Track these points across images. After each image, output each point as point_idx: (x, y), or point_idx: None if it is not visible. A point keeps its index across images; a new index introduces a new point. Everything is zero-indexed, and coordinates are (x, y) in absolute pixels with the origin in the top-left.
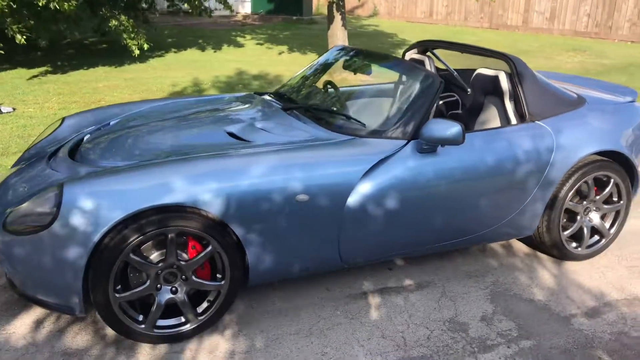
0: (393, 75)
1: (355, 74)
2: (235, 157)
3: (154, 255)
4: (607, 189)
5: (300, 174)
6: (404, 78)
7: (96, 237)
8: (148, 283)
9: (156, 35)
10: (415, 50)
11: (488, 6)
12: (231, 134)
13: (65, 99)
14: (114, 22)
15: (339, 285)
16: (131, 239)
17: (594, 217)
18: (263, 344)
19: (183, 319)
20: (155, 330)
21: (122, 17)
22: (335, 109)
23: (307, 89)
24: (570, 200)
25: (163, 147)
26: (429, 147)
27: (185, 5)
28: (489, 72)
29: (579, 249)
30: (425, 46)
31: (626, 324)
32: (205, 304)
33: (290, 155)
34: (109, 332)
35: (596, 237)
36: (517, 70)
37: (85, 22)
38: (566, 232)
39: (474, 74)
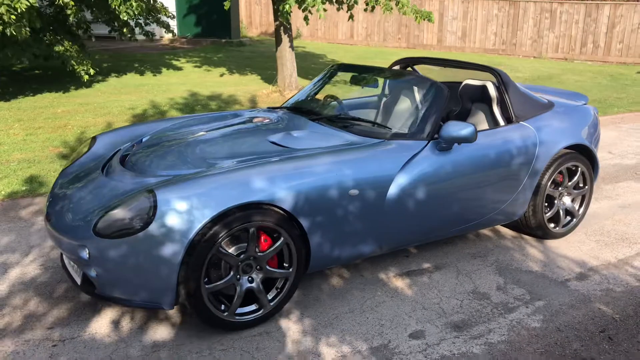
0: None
1: (362, 87)
2: (297, 160)
3: (232, 249)
4: (576, 177)
5: (350, 171)
6: (413, 88)
7: (191, 235)
8: (231, 274)
9: (91, 60)
10: (398, 67)
11: (405, 27)
12: (273, 143)
13: (28, 124)
14: (60, 48)
15: (370, 271)
16: (221, 235)
17: (567, 201)
18: (327, 322)
19: (256, 306)
20: (236, 317)
21: (66, 43)
22: (355, 117)
23: (316, 102)
24: (549, 187)
25: (219, 155)
26: (447, 145)
27: (125, 30)
28: (476, 82)
29: (557, 228)
30: (407, 62)
31: (609, 282)
32: (274, 291)
33: (339, 156)
34: (186, 323)
35: (568, 218)
36: (503, 80)
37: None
38: (547, 215)
39: (462, 85)
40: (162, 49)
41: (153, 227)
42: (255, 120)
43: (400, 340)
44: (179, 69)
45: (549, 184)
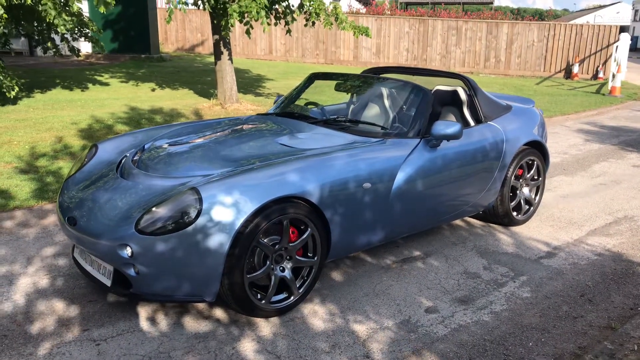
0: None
1: (347, 93)
2: (318, 157)
3: (266, 241)
4: (533, 169)
5: (363, 166)
6: (401, 91)
7: (237, 226)
8: (267, 264)
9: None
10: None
11: (322, 44)
12: (283, 144)
13: None
14: None
15: (371, 260)
16: (262, 226)
17: (526, 191)
18: (348, 305)
19: (286, 294)
20: (272, 305)
21: None
22: (352, 119)
23: (305, 108)
24: (513, 179)
25: (237, 156)
26: (437, 142)
27: (49, 44)
28: (447, 88)
29: (519, 216)
30: (375, 72)
31: (574, 258)
32: (300, 280)
33: (351, 154)
34: (219, 314)
35: (527, 206)
36: (472, 86)
37: None
38: (512, 204)
39: (433, 90)
40: (79, 64)
41: (201, 221)
42: (254, 125)
43: (418, 315)
44: (106, 84)
45: (513, 176)
